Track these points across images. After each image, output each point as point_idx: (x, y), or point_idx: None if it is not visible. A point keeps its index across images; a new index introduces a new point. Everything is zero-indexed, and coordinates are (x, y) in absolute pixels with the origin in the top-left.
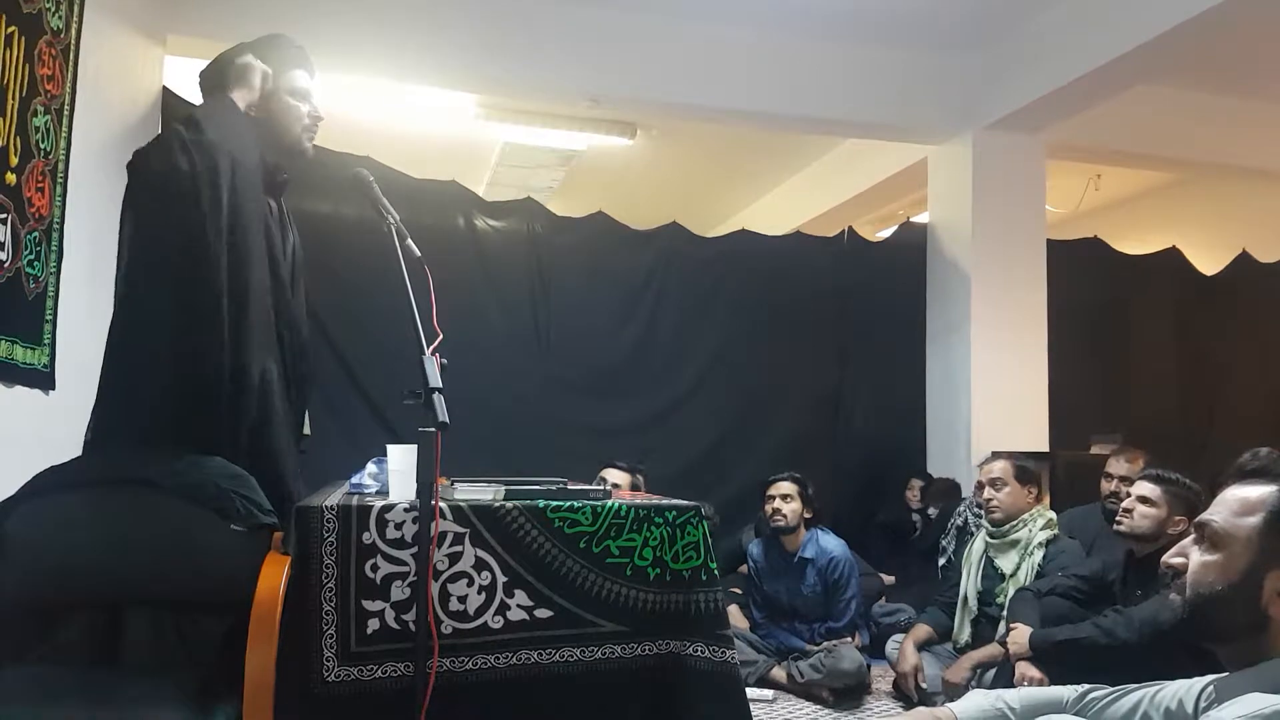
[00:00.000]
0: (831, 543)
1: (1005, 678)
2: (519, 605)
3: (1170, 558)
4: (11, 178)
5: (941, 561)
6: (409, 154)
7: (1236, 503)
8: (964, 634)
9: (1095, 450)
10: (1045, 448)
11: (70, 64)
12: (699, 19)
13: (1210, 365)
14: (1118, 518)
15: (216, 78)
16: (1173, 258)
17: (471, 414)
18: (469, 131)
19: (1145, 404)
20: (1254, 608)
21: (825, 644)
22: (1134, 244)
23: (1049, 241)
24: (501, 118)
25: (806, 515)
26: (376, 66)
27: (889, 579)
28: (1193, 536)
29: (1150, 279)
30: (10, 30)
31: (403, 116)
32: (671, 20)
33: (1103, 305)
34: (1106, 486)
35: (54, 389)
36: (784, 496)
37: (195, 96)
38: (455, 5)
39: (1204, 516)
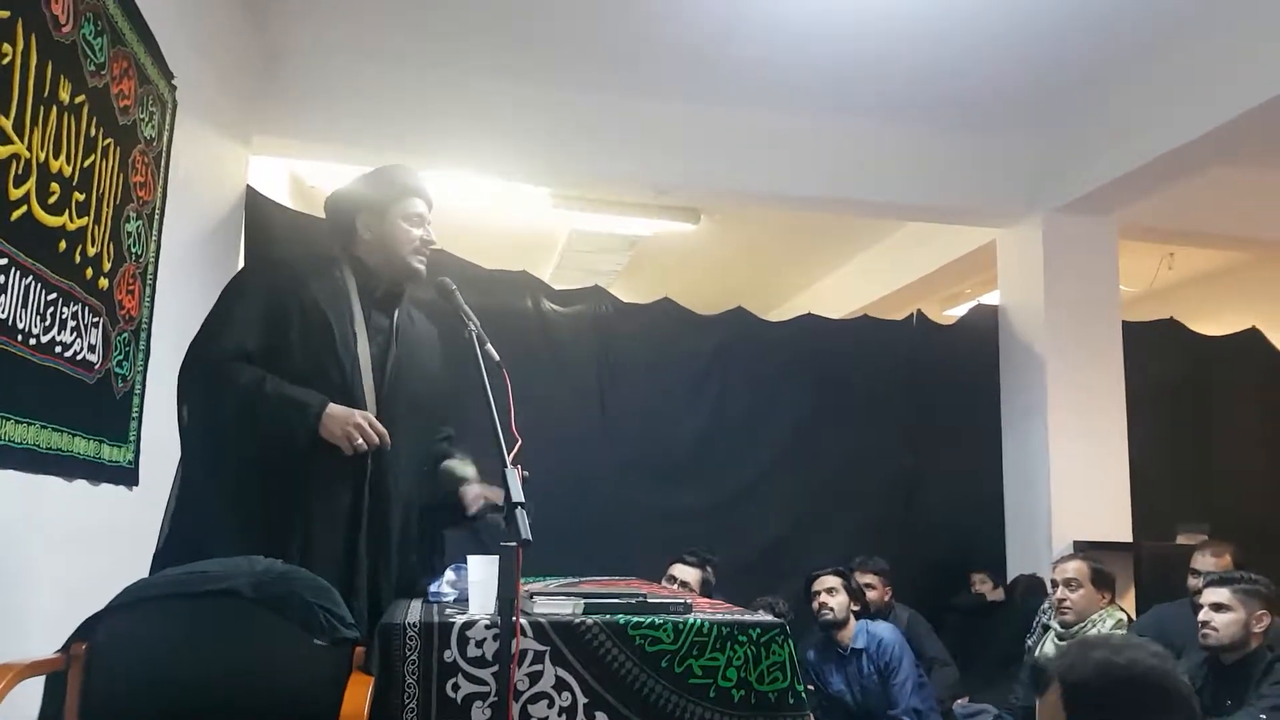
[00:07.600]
0: (881, 628)
1: None
2: None
3: None
4: (104, 282)
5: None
6: (480, 242)
7: None
8: None
9: (1181, 540)
10: (1128, 538)
11: (161, 170)
12: (761, 107)
13: None
14: (1202, 633)
15: (339, 207)
16: (1253, 339)
17: (539, 501)
18: (537, 219)
19: (1231, 492)
20: None
21: None
22: (1212, 324)
23: (1124, 323)
24: (569, 205)
25: (854, 608)
26: (458, 161)
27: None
28: None
29: (1231, 361)
30: (107, 142)
31: (474, 206)
32: (734, 109)
33: (1183, 388)
34: (1194, 584)
35: (136, 484)
36: (829, 590)
37: (276, 194)
38: (532, 104)
39: None
